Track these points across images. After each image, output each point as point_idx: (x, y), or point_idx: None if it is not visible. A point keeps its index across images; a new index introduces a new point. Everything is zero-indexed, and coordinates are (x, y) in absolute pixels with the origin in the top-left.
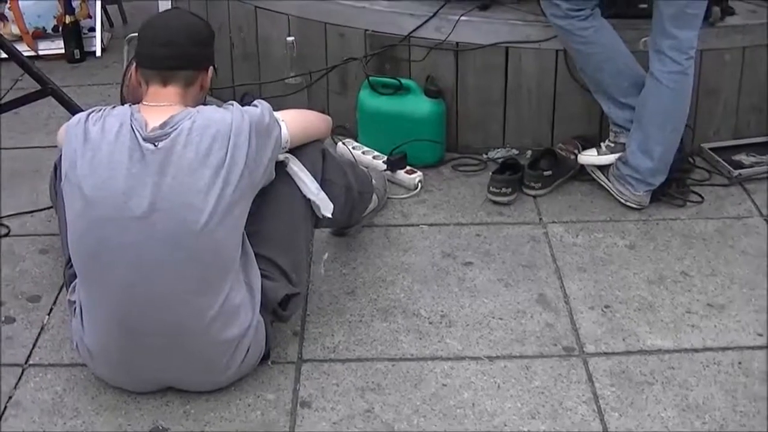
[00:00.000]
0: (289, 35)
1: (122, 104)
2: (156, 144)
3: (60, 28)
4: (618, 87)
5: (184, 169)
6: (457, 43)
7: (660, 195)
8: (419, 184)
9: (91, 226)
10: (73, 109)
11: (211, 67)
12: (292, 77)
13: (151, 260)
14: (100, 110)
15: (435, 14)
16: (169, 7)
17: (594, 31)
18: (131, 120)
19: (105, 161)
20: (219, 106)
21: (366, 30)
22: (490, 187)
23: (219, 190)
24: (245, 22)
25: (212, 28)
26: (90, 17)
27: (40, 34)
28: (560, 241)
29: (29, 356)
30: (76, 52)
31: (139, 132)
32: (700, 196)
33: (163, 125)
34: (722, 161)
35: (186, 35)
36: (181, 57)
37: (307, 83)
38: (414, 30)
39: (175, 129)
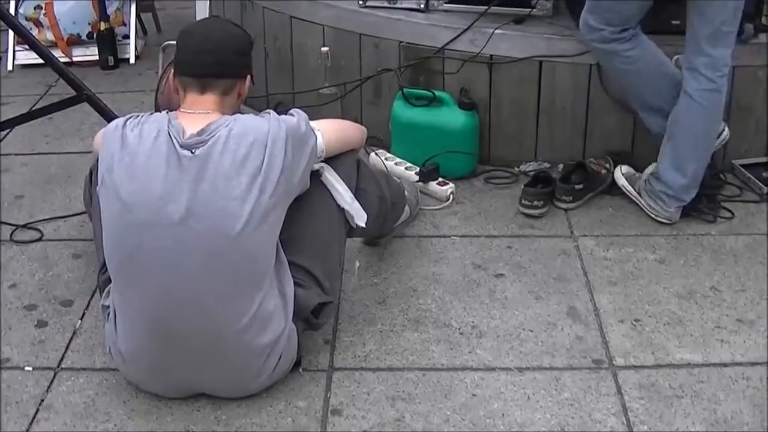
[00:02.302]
0: (324, 45)
1: (157, 111)
2: (193, 151)
3: (94, 35)
4: (666, 98)
5: (220, 176)
6: (491, 56)
7: (691, 210)
8: (451, 196)
9: (127, 231)
10: (107, 116)
11: (249, 76)
12: (326, 87)
13: (187, 266)
14: (137, 116)
15: (470, 27)
16: (207, 15)
17: (639, 50)
18: (169, 127)
19: (142, 167)
20: (255, 114)
21: (401, 41)
22: (522, 200)
23: (255, 198)
24: (280, 32)
25: (251, 37)
26: (124, 24)
27: (75, 41)
28: (591, 255)
29: (61, 360)
30: (110, 59)
31: (176, 139)
32: (731, 212)
33: (200, 132)
34: (753, 177)
35: (226, 44)
36: (220, 65)
37: (341, 93)
38: (448, 42)
39: (213, 136)
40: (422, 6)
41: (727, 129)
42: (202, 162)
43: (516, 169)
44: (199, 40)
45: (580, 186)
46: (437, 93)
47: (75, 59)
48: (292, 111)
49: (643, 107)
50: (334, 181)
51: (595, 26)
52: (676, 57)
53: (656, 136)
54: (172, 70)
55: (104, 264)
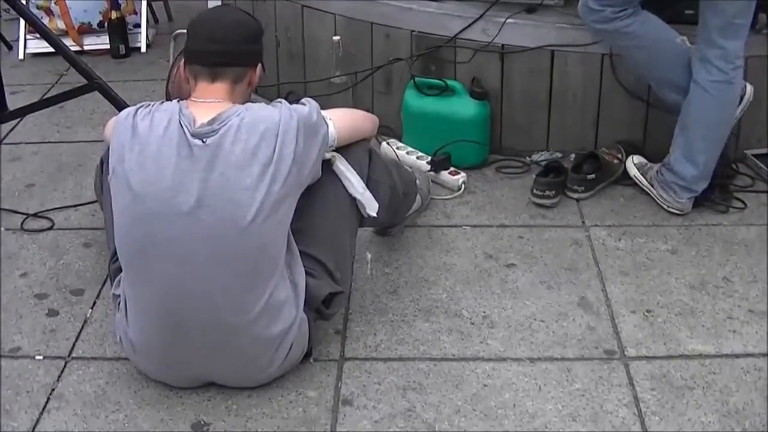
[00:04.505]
0: (336, 35)
1: (168, 100)
2: (204, 140)
3: (105, 24)
4: (678, 73)
5: (231, 166)
6: (502, 45)
7: (703, 201)
8: (462, 186)
9: (138, 221)
10: (118, 104)
11: (260, 65)
12: (337, 77)
13: (197, 256)
14: (148, 105)
15: (481, 16)
16: (218, 4)
17: (639, 25)
18: (179, 116)
19: (153, 156)
20: (266, 103)
21: (412, 31)
22: (534, 190)
23: (266, 187)
24: (292, 21)
25: (261, 25)
26: (135, 13)
27: (86, 30)
28: (603, 245)
29: (72, 349)
30: (121, 47)
31: (187, 128)
32: (743, 202)
33: (211, 121)
34: (765, 168)
35: (236, 32)
36: (231, 54)
37: (353, 83)
38: (460, 32)
39: (224, 125)
40: None
41: (749, 87)
42: (213, 151)
43: (527, 158)
44: (210, 28)
45: (592, 176)
46: (449, 82)
47: (86, 48)
48: (303, 100)
49: (659, 84)
50: (345, 170)
51: (596, 8)
52: (681, 38)
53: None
54: (183, 59)
55: (115, 253)
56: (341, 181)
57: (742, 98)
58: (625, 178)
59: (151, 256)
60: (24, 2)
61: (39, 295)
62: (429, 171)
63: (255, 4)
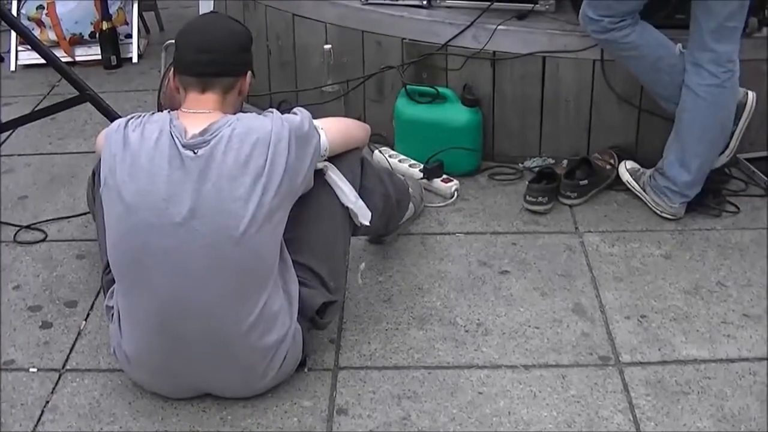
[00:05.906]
0: (327, 43)
1: (159, 111)
2: (195, 151)
3: (97, 35)
4: (678, 83)
5: (224, 176)
6: (494, 52)
7: (696, 205)
8: (455, 193)
9: (131, 232)
10: (110, 115)
11: (250, 72)
12: (329, 85)
13: (191, 266)
14: (139, 116)
15: (472, 23)
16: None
17: (637, 35)
18: (170, 127)
19: (145, 168)
20: (258, 113)
21: (403, 38)
22: (527, 197)
23: (258, 198)
24: (283, 30)
25: (251, 32)
26: (127, 24)
27: (77, 41)
28: (596, 251)
29: (66, 361)
30: (113, 58)
31: (178, 139)
32: (736, 206)
33: (203, 132)
34: (758, 172)
35: (225, 41)
36: (221, 63)
37: (344, 91)
38: (451, 39)
39: (215, 136)
40: (425, 2)
41: (751, 95)
42: (205, 162)
43: (520, 165)
44: (198, 38)
45: (585, 182)
46: (440, 90)
47: (78, 59)
48: (295, 110)
49: (660, 96)
50: (338, 179)
51: (594, 18)
52: (679, 44)
53: None
54: (173, 70)
55: (108, 265)
56: (334, 191)
57: (744, 106)
58: (618, 184)
59: (144, 266)
60: (15, 14)
61: (32, 307)
62: (422, 179)
63: (246, 13)
